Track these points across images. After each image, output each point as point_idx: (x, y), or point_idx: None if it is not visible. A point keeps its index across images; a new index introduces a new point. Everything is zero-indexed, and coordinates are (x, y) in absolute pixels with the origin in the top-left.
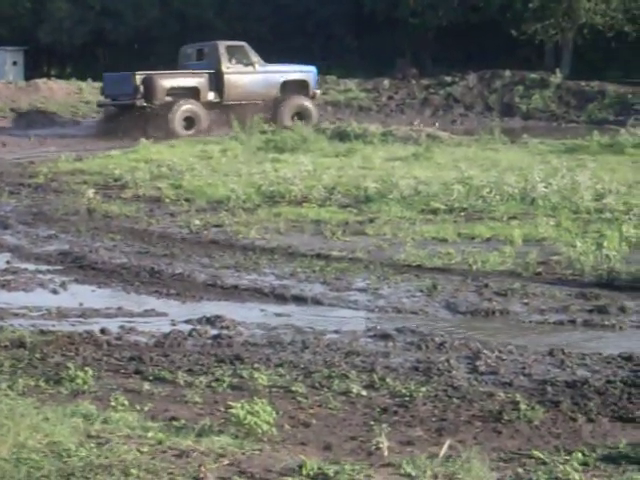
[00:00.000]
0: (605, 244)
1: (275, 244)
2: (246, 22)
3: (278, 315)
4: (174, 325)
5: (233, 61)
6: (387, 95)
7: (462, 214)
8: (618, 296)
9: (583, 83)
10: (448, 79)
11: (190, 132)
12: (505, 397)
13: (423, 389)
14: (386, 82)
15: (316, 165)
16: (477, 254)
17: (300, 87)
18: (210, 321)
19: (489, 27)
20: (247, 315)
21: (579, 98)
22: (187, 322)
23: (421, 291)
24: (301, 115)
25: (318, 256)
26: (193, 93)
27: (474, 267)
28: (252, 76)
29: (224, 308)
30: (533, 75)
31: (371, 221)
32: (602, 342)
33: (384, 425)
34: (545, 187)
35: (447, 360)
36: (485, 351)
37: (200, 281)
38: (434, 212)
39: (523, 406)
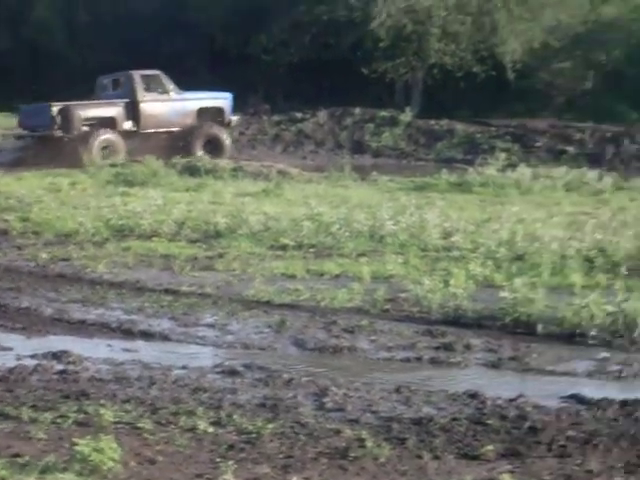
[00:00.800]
0: (452, 282)
1: (123, 278)
2: (99, 53)
3: (125, 350)
4: (19, 360)
5: (148, 90)
6: (238, 130)
7: (311, 250)
8: (464, 333)
9: (432, 122)
10: (299, 115)
11: (108, 161)
12: (352, 434)
13: (270, 426)
14: (238, 117)
15: (166, 199)
16: (326, 291)
17: (215, 115)
18: (56, 356)
19: (341, 65)
20: (94, 350)
21: (428, 136)
22: (32, 357)
23: (269, 327)
24: (213, 144)
25: (167, 291)
26: (110, 123)
27: (322, 303)
28: (167, 104)
29: (70, 343)
30: (383, 113)
31: (220, 256)
32: (448, 379)
33: (230, 462)
34: (394, 225)
35: (295, 397)
36: (332, 388)
37: (46, 315)
38: (283, 248)
39: (369, 443)
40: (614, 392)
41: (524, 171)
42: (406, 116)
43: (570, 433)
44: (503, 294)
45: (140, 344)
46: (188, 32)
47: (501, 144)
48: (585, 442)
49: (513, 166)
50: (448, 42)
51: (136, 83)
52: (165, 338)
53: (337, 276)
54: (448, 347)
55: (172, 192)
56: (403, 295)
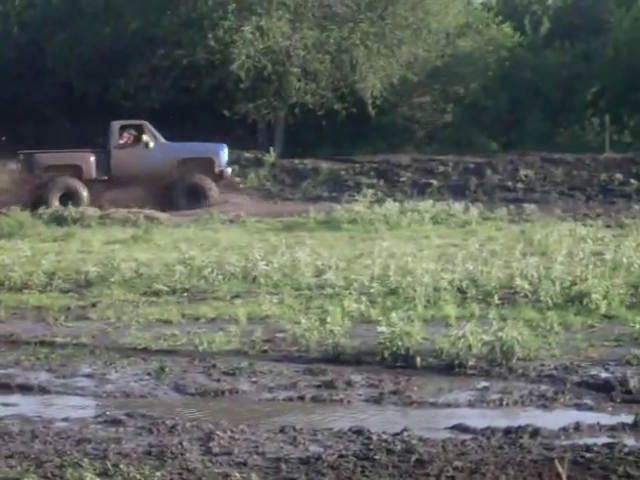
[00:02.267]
0: (328, 319)
1: None
2: None
3: (4, 405)
4: None
5: (124, 139)
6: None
7: (185, 295)
8: (345, 370)
9: (297, 161)
10: None
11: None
12: (240, 477)
13: (158, 473)
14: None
15: (34, 250)
16: (203, 334)
17: (203, 165)
18: None
19: (203, 108)
20: None
21: (293, 176)
22: None
23: (149, 374)
24: (198, 194)
25: (42, 343)
26: (74, 170)
27: (201, 348)
28: (144, 154)
29: None
30: (247, 154)
31: (94, 305)
32: (332, 417)
33: None
34: (266, 265)
35: (180, 443)
36: (217, 432)
37: None
38: (157, 294)
39: None
40: (497, 420)
41: (391, 206)
42: (270, 156)
43: (457, 463)
44: (380, 329)
45: (19, 398)
46: (46, 80)
47: (366, 180)
48: (472, 472)
49: (380, 201)
50: (308, 81)
51: (111, 132)
52: (44, 391)
53: (213, 319)
54: (329, 385)
55: (40, 243)
56: (281, 335)
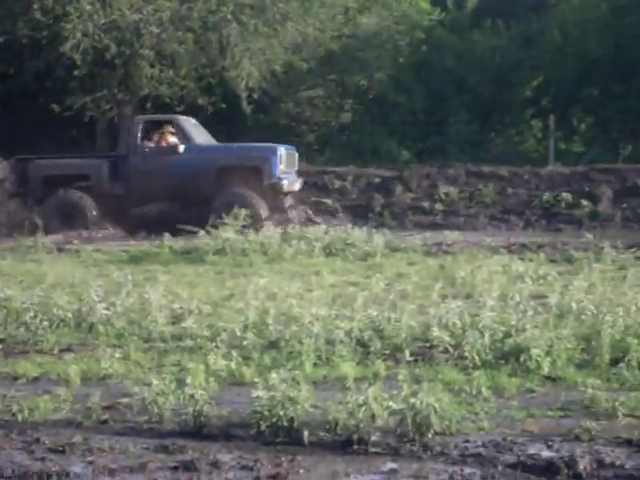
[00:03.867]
0: (188, 380)
1: None
2: None
3: None
4: None
5: (148, 142)
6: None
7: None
8: (209, 447)
9: None
10: None
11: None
12: None
13: None
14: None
15: None
16: (23, 399)
17: (248, 176)
18: None
19: (25, 100)
20: None
21: None
22: None
23: None
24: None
25: None
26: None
27: (20, 416)
28: (172, 161)
29: None
30: None
31: None
32: None
33: None
34: (107, 309)
35: None
36: None
37: None
38: None
39: None
40: None
41: (271, 232)
42: None
43: None
44: (256, 393)
45: None
46: None
47: None
48: None
49: (257, 226)
50: (164, 67)
51: (132, 131)
52: None
53: (36, 379)
54: (189, 466)
55: None
56: (125, 400)
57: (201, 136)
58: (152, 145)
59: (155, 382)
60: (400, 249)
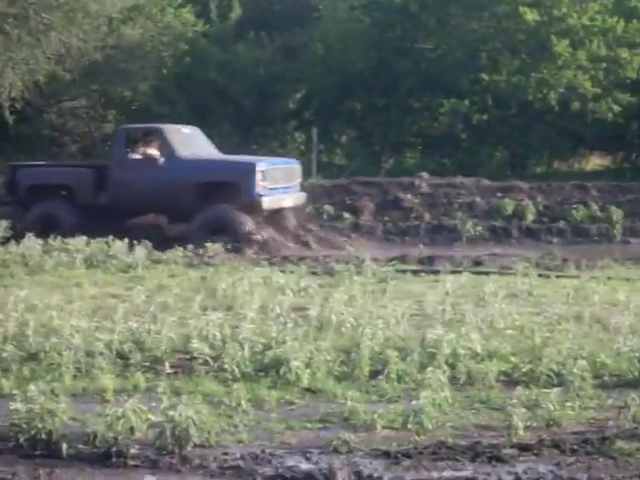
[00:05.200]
0: None
1: None
2: None
3: None
4: None
5: (131, 153)
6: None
7: None
8: None
9: None
10: None
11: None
12: None
13: None
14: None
15: None
16: None
17: (228, 191)
18: None
19: None
20: None
21: None
22: None
23: None
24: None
25: None
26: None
27: None
28: (150, 172)
29: None
30: None
31: None
32: None
33: None
34: None
35: None
36: None
37: None
38: None
39: None
40: None
41: (32, 244)
42: None
43: None
44: (14, 406)
45: None
46: None
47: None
48: None
49: (17, 236)
50: None
51: (116, 141)
52: None
53: None
54: None
55: None
56: None
57: (189, 148)
58: (134, 156)
59: None
60: (162, 261)
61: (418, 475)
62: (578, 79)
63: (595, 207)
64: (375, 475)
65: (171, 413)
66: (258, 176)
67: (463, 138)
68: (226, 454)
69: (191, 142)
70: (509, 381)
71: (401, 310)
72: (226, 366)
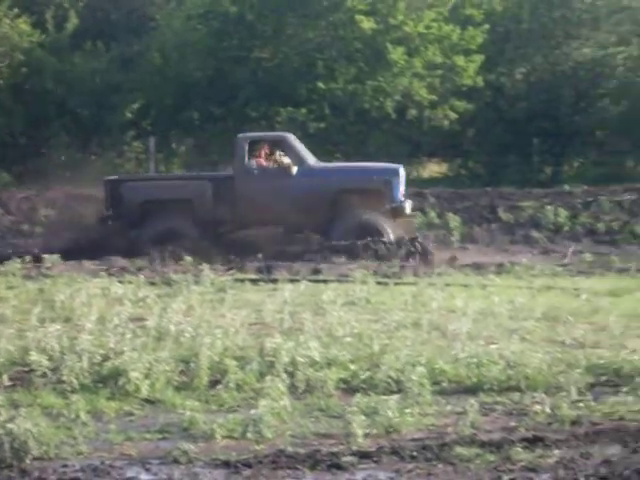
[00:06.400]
0: None
1: None
2: None
3: None
4: None
5: (261, 161)
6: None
7: None
8: None
9: None
10: None
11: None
12: None
13: None
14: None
15: None
16: None
17: (367, 199)
18: None
19: None
20: None
21: None
22: None
23: None
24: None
25: None
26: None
27: None
28: (283, 183)
29: None
30: None
31: None
32: None
33: None
34: None
35: None
36: None
37: None
38: None
39: None
40: None
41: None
42: None
43: None
44: None
45: None
46: None
47: None
48: None
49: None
50: None
51: (237, 150)
52: None
53: None
54: None
55: None
56: None
57: (310, 156)
58: (261, 166)
59: None
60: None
61: None
62: (414, 86)
63: (433, 214)
64: None
65: (9, 426)
66: (401, 181)
67: None
68: (65, 466)
69: (307, 151)
70: (348, 388)
71: (240, 319)
72: (64, 378)
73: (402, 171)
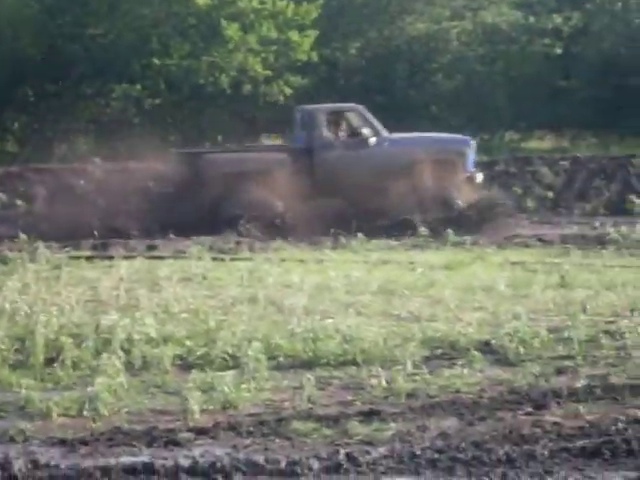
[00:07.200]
0: None
1: None
2: None
3: None
4: None
5: (335, 133)
6: None
7: None
8: None
9: None
10: None
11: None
12: None
13: None
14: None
15: None
16: None
17: (441, 169)
18: None
19: None
20: None
21: None
22: None
23: None
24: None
25: None
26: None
27: None
28: (363, 155)
29: None
30: None
31: None
32: None
33: None
34: None
35: None
36: None
37: None
38: None
39: None
40: None
41: None
42: None
43: None
44: None
45: None
46: None
47: None
48: None
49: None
50: None
51: (313, 121)
52: None
53: None
54: None
55: None
56: None
57: (382, 127)
58: (340, 137)
59: None
60: None
61: (95, 462)
62: (249, 62)
63: None
64: (52, 463)
65: None
66: (473, 151)
67: (135, 123)
68: None
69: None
70: (184, 365)
71: (75, 297)
72: None
73: (473, 142)
